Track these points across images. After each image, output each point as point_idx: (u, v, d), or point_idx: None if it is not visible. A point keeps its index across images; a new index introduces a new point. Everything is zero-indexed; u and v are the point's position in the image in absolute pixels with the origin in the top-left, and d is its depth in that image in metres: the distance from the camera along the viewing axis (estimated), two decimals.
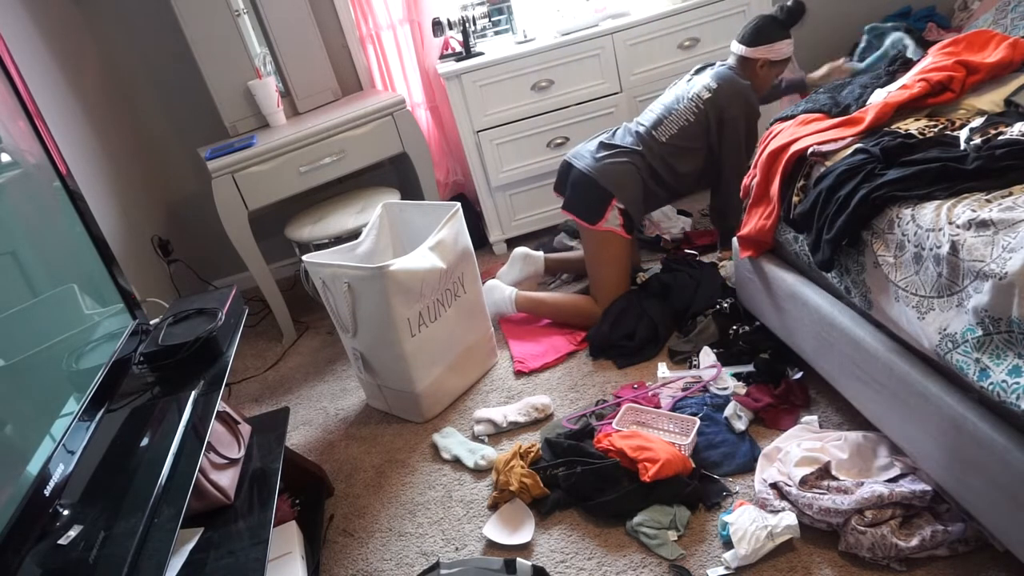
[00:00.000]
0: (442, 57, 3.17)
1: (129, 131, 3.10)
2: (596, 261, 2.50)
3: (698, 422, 1.90)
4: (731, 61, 2.50)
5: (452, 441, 2.13)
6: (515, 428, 2.15)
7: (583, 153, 2.48)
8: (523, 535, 1.75)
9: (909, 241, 1.41)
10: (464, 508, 1.91)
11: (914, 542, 1.44)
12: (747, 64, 2.46)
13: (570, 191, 2.49)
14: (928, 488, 1.50)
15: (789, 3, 2.41)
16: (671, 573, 1.59)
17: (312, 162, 2.73)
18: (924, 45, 2.20)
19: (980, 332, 1.23)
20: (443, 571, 1.66)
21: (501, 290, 2.65)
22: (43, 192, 1.54)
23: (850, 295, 1.66)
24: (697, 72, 2.55)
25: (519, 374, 2.40)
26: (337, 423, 2.41)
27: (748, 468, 1.79)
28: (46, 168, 1.55)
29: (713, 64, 2.53)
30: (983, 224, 1.25)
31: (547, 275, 2.86)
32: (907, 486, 1.52)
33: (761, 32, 2.41)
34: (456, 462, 2.07)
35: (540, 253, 2.82)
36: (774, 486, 1.66)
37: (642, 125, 2.48)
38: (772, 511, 1.60)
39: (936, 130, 1.60)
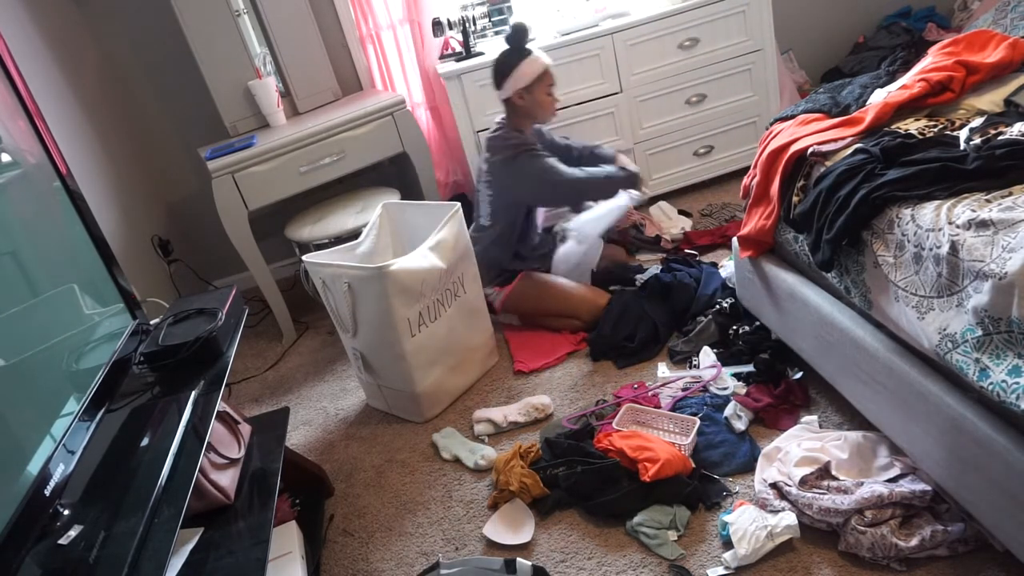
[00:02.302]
0: (442, 57, 3.17)
1: (129, 131, 3.10)
2: (550, 306, 2.55)
3: (698, 422, 1.90)
4: (502, 114, 2.54)
5: (452, 441, 2.13)
6: (515, 428, 2.15)
7: None
8: (523, 535, 1.75)
9: (909, 241, 1.41)
10: (464, 508, 1.91)
11: (914, 542, 1.44)
12: (510, 106, 2.48)
13: None
14: (928, 488, 1.50)
15: (507, 30, 2.44)
16: (671, 573, 1.59)
17: (312, 162, 2.73)
18: (924, 45, 2.21)
19: (980, 332, 1.23)
20: (443, 571, 1.66)
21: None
22: (43, 192, 1.54)
23: (850, 295, 1.66)
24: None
25: (519, 374, 2.40)
26: (337, 423, 2.41)
27: (748, 468, 1.79)
28: (46, 168, 1.55)
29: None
30: (983, 224, 1.25)
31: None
32: (907, 486, 1.52)
33: (497, 70, 2.45)
34: (456, 462, 2.07)
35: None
36: (774, 486, 1.66)
37: (478, 218, 2.62)
38: (772, 511, 1.60)
39: (936, 130, 1.60)
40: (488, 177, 2.51)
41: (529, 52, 2.40)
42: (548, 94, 2.45)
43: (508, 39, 2.43)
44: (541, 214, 2.68)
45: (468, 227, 2.38)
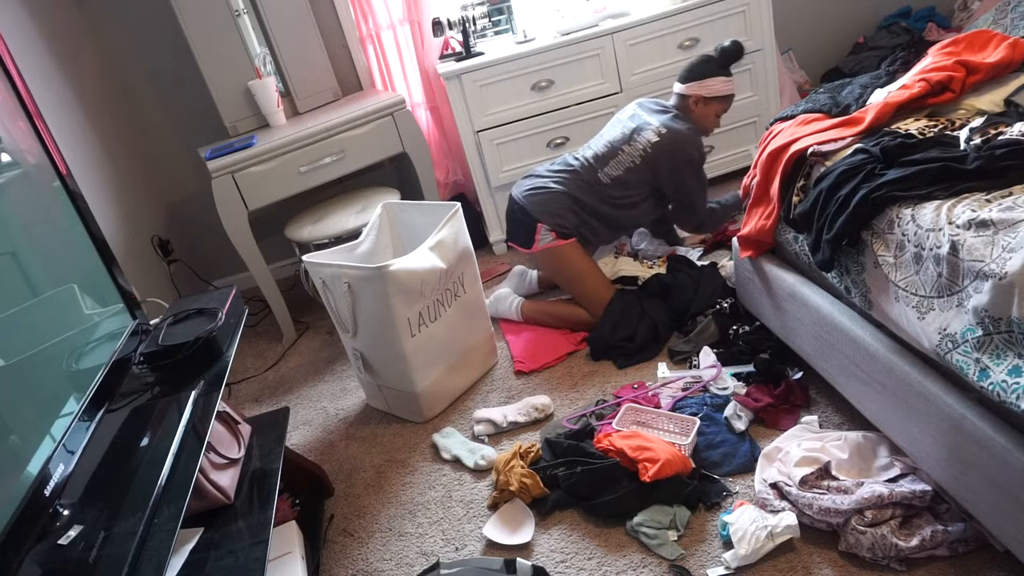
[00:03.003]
0: (442, 57, 3.17)
1: (129, 131, 3.10)
2: (563, 279, 2.56)
3: (698, 422, 1.90)
4: (672, 100, 2.56)
5: (452, 441, 2.13)
6: (515, 428, 2.15)
7: (521, 183, 2.58)
8: (523, 535, 1.75)
9: (909, 241, 1.41)
10: (464, 508, 1.91)
11: (914, 542, 1.44)
12: (683, 101, 2.53)
13: (508, 221, 2.62)
14: (928, 488, 1.50)
15: (726, 43, 2.49)
16: (671, 573, 1.59)
17: (312, 162, 2.73)
18: (924, 45, 2.21)
19: (980, 332, 1.23)
20: (443, 571, 1.66)
21: (509, 299, 2.69)
22: (43, 192, 1.54)
23: (850, 295, 1.66)
24: (641, 108, 2.57)
25: (519, 374, 2.40)
26: (337, 423, 2.41)
27: (748, 468, 1.79)
28: (46, 168, 1.55)
29: (653, 103, 2.57)
30: (983, 224, 1.25)
31: (542, 288, 2.85)
32: (907, 486, 1.52)
33: (693, 70, 2.49)
34: (456, 462, 2.07)
35: (533, 272, 2.83)
36: (774, 486, 1.66)
37: (585, 160, 2.53)
38: (772, 511, 1.60)
39: (936, 130, 1.60)
40: (653, 151, 2.44)
41: (730, 73, 2.48)
42: (718, 115, 2.53)
43: (722, 50, 2.46)
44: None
45: (470, 228, 2.38)
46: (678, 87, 2.52)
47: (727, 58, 2.47)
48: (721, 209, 2.64)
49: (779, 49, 3.35)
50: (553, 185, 2.49)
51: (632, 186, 2.48)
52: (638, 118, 2.51)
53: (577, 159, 2.55)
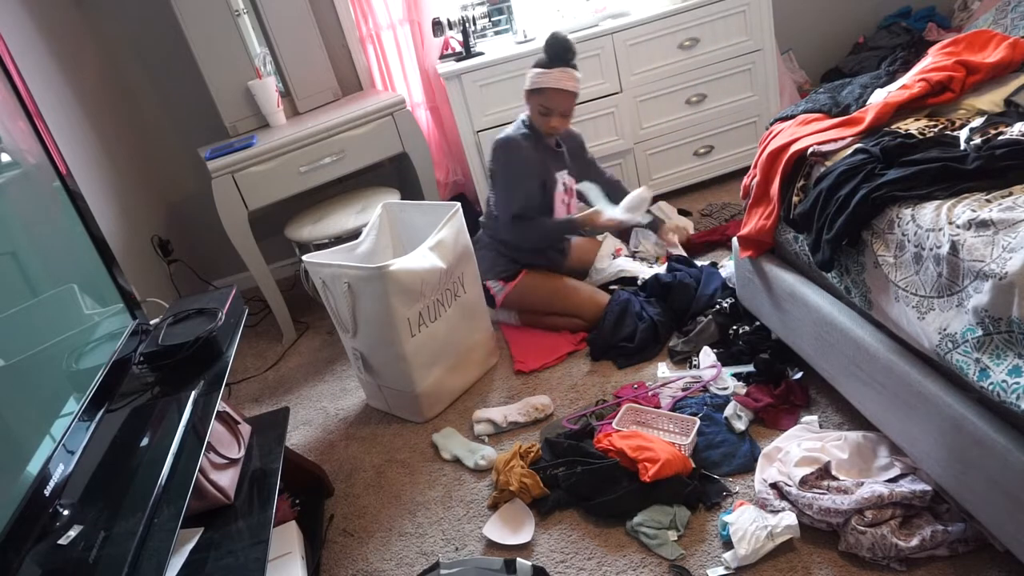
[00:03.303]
0: (442, 57, 3.17)
1: (129, 131, 3.10)
2: (544, 305, 2.56)
3: (698, 422, 1.90)
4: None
5: (452, 441, 2.13)
6: (515, 428, 2.15)
7: None
8: (523, 535, 1.75)
9: (909, 241, 1.41)
10: (464, 508, 1.91)
11: (914, 542, 1.44)
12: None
13: None
14: (928, 488, 1.50)
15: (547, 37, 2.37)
16: (671, 573, 1.59)
17: (312, 162, 2.73)
18: (924, 45, 2.20)
19: (980, 332, 1.23)
20: (443, 571, 1.66)
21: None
22: (43, 192, 1.54)
23: (850, 295, 1.66)
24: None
25: (519, 374, 2.40)
26: (337, 423, 2.41)
27: (748, 468, 1.79)
28: (46, 168, 1.55)
29: None
30: (983, 224, 1.25)
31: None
32: (907, 486, 1.52)
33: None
34: (456, 462, 2.07)
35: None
36: (774, 486, 1.66)
37: (488, 198, 2.60)
38: (772, 511, 1.60)
39: (936, 130, 1.60)
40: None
41: (551, 64, 2.35)
42: (540, 113, 2.42)
43: (547, 39, 2.37)
44: (561, 204, 2.61)
45: (470, 228, 2.38)
46: None
47: (545, 46, 2.37)
48: (539, 226, 2.49)
49: (779, 49, 3.35)
50: (478, 243, 2.52)
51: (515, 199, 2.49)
52: None
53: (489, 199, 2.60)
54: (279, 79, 3.05)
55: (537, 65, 2.38)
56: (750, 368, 2.09)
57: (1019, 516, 1.23)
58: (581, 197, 2.67)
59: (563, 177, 2.58)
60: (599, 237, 2.78)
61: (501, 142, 2.46)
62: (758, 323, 2.19)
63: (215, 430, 1.62)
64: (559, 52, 2.35)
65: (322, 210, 2.96)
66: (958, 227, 1.29)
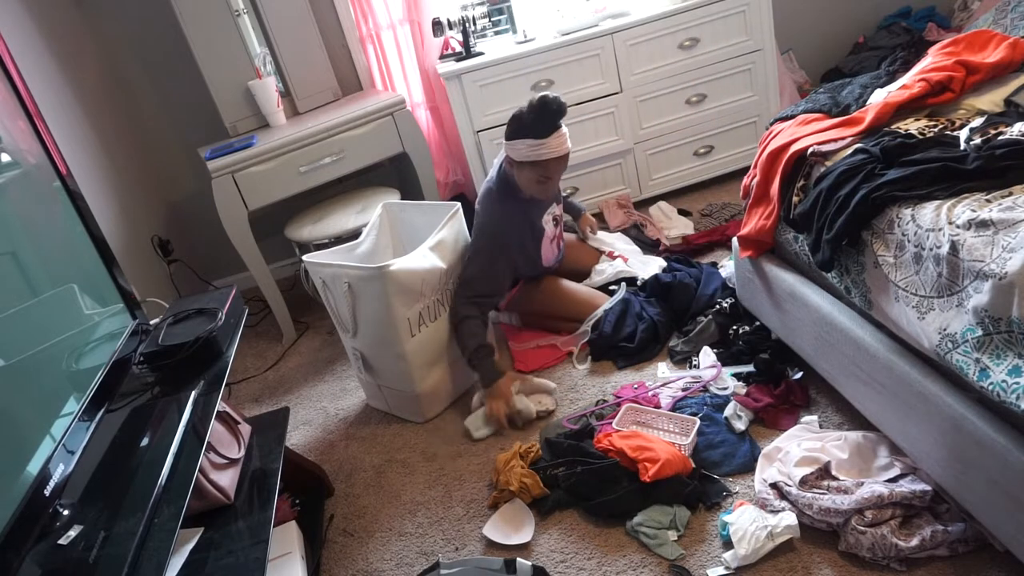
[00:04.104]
0: (442, 57, 3.17)
1: (129, 131, 3.10)
2: (544, 311, 2.54)
3: (698, 422, 1.90)
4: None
5: (477, 417, 2.16)
6: (519, 417, 2.13)
7: None
8: (523, 535, 1.75)
9: (909, 241, 1.41)
10: (464, 508, 1.91)
11: (914, 542, 1.44)
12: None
13: None
14: (928, 488, 1.50)
15: (536, 98, 2.10)
16: (671, 573, 1.59)
17: (312, 162, 2.73)
18: (924, 45, 2.20)
19: (980, 332, 1.23)
20: (443, 571, 1.66)
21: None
22: (43, 192, 1.54)
23: (850, 295, 1.66)
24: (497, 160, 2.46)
25: (519, 374, 2.40)
26: (337, 423, 2.41)
27: (748, 468, 1.79)
28: (46, 168, 1.55)
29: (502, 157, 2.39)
30: (983, 224, 1.25)
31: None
32: (907, 486, 1.52)
33: (508, 127, 2.19)
34: (493, 436, 2.12)
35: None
36: (774, 486, 1.66)
37: None
38: (772, 511, 1.60)
39: (936, 130, 1.60)
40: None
41: (543, 134, 2.11)
42: (538, 182, 2.23)
43: (529, 107, 2.13)
44: (549, 247, 2.49)
45: (469, 228, 2.38)
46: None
47: (535, 115, 2.11)
48: (465, 328, 2.21)
49: (779, 49, 3.35)
50: None
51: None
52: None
53: None
54: (279, 79, 3.05)
55: (527, 136, 2.13)
56: (750, 368, 2.09)
57: (1019, 516, 1.23)
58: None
59: (552, 213, 2.45)
60: (591, 243, 2.78)
61: (490, 223, 2.29)
62: (758, 323, 2.19)
63: (215, 430, 1.62)
64: (552, 119, 2.13)
65: (322, 210, 2.96)
66: (958, 227, 1.29)
